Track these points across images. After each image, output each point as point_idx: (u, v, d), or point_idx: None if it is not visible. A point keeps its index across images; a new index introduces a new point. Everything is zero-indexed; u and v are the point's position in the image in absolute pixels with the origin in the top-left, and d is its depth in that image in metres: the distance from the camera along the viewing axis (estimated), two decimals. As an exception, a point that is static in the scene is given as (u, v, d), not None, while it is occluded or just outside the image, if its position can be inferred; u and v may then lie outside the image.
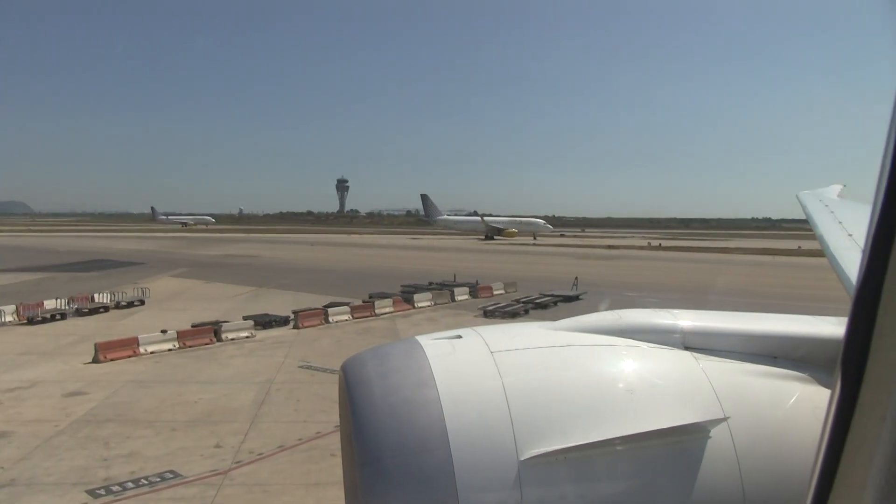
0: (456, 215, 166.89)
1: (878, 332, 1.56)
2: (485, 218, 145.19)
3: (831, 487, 1.68)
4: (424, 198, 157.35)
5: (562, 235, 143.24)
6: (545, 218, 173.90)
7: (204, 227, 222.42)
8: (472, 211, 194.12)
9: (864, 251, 1.62)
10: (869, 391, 1.58)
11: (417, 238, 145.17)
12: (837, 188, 10.15)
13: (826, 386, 3.58)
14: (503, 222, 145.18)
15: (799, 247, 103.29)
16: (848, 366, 1.64)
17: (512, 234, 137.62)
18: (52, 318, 36.55)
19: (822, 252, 6.38)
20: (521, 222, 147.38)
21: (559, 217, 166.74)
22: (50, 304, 37.76)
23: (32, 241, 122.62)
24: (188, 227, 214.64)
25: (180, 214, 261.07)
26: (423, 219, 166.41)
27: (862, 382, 1.59)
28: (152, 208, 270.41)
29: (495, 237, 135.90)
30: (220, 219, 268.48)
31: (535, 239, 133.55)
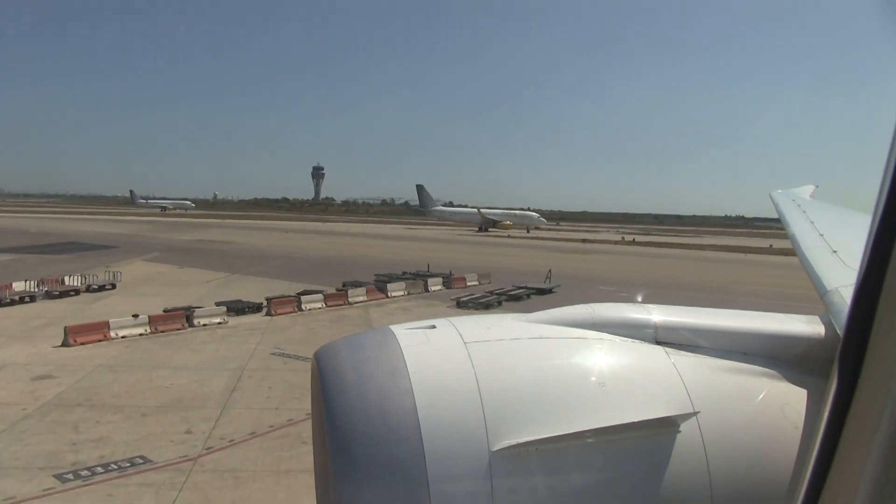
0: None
1: (876, 333, 1.58)
2: (481, 210, 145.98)
3: (824, 483, 1.70)
4: (420, 188, 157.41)
5: (537, 228, 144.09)
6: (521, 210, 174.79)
7: (183, 211, 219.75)
8: (448, 202, 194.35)
9: (864, 253, 1.64)
10: (865, 390, 1.61)
11: (412, 228, 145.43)
12: (810, 188, 10.29)
13: (795, 382, 3.65)
14: (499, 215, 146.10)
15: (771, 245, 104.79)
16: (845, 365, 1.66)
17: (507, 227, 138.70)
18: (21, 301, 36.00)
19: (793, 251, 6.47)
20: (516, 215, 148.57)
21: (535, 210, 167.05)
22: (19, 286, 37.03)
23: (1, 221, 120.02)
24: (166, 212, 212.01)
25: (159, 198, 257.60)
26: (418, 209, 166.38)
27: (857, 383, 1.62)
28: (131, 192, 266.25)
29: (489, 229, 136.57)
30: (195, 203, 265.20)
31: (528, 231, 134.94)
